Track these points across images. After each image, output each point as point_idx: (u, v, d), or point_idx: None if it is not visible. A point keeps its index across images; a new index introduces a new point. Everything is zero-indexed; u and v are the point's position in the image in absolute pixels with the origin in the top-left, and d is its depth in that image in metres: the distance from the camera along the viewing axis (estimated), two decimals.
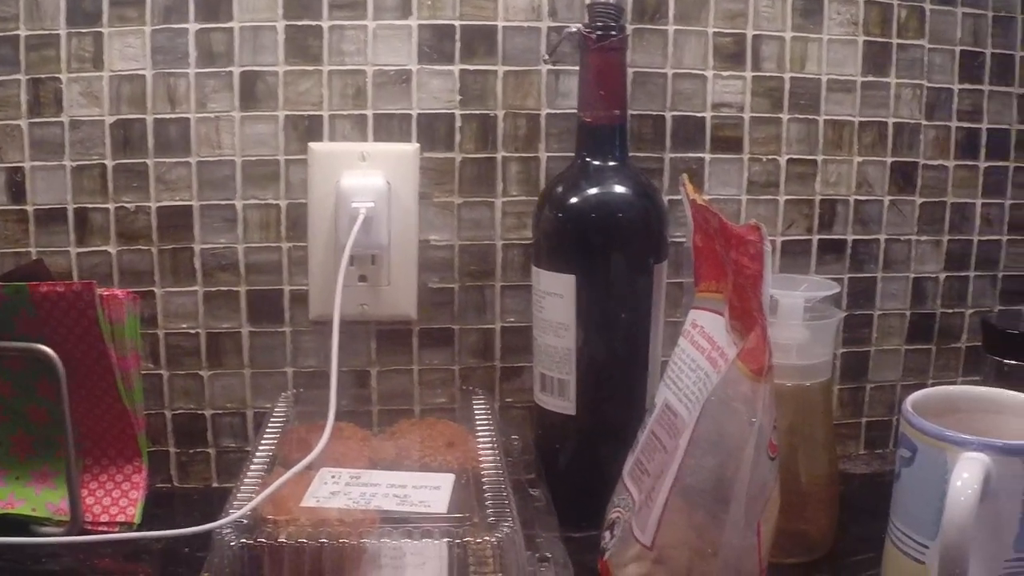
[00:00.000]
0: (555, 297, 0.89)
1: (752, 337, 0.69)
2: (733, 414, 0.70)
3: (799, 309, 0.85)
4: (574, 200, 0.89)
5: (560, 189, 0.91)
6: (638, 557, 0.75)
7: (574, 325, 0.89)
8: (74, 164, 0.96)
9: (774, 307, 0.82)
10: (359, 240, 0.93)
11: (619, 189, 0.90)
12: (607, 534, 0.81)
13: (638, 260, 0.89)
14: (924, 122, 1.08)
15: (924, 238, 1.10)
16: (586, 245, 0.88)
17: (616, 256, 0.89)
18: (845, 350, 1.09)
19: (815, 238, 1.08)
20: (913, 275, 1.11)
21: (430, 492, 0.79)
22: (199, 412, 1.02)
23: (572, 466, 0.93)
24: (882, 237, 1.09)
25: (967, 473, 0.71)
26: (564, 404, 0.91)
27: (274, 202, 0.99)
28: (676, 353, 0.79)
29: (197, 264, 0.99)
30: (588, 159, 0.90)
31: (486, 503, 0.77)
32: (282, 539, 0.71)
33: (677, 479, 0.72)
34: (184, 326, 1.00)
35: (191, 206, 0.98)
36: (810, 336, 0.86)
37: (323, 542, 0.71)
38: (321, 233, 0.98)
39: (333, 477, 0.81)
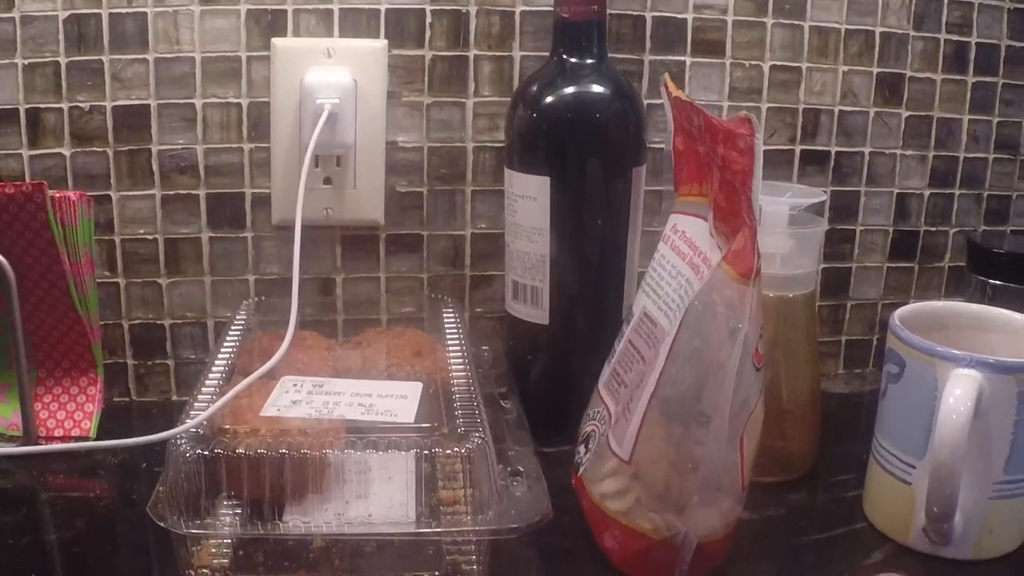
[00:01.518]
0: (528, 200, 0.86)
1: (739, 238, 0.65)
2: (718, 321, 0.66)
3: (783, 217, 0.83)
4: (549, 99, 0.86)
5: (535, 88, 0.87)
6: (614, 472, 0.73)
7: (548, 230, 0.86)
8: (25, 62, 0.91)
9: (757, 215, 0.79)
10: (323, 139, 0.90)
11: (597, 88, 0.86)
12: (581, 448, 0.78)
13: (615, 163, 0.86)
14: (912, 33, 1.05)
15: (909, 153, 1.08)
16: (561, 146, 0.85)
17: (593, 158, 0.85)
18: (826, 266, 1.07)
19: (798, 148, 1.05)
20: (897, 190, 1.09)
21: (397, 401, 0.76)
22: (157, 322, 0.99)
23: (545, 378, 0.91)
24: (866, 150, 1.07)
25: (959, 390, 0.69)
26: (537, 313, 0.88)
27: (235, 101, 0.95)
28: (655, 259, 0.76)
29: (155, 166, 0.95)
30: (565, 56, 0.87)
31: (455, 414, 0.74)
32: (240, 450, 0.68)
33: (657, 390, 0.69)
34: (141, 231, 0.96)
35: (148, 105, 0.94)
36: (794, 245, 0.83)
37: (283, 452, 0.68)
38: (284, 133, 0.95)
39: (295, 385, 0.78)
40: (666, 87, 0.76)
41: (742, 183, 0.64)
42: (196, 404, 0.74)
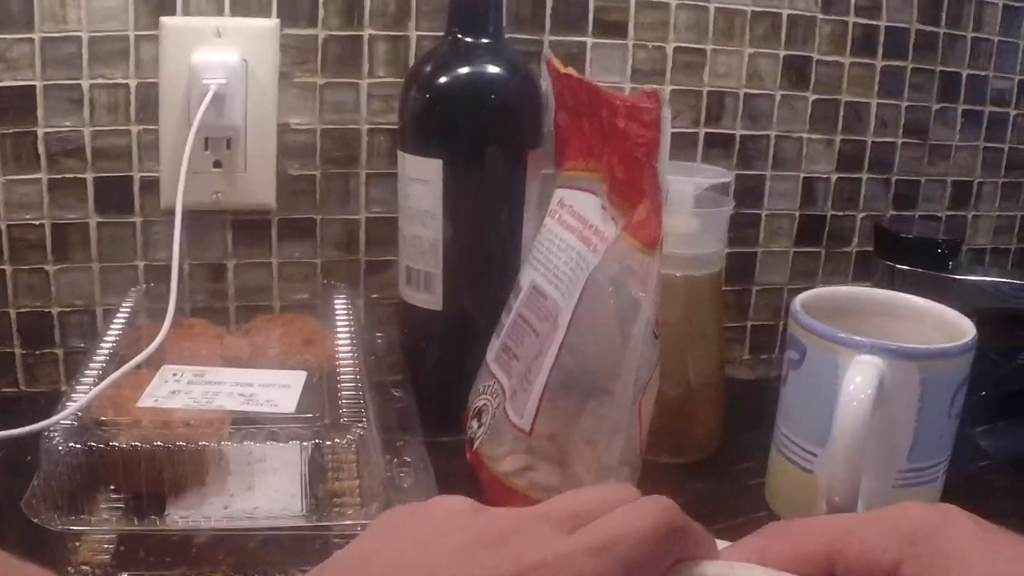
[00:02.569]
0: (421, 184, 0.83)
1: (641, 209, 0.66)
2: (620, 291, 0.68)
3: (689, 196, 0.82)
4: (443, 79, 0.84)
5: (428, 68, 0.85)
6: (513, 448, 0.73)
7: (440, 214, 0.83)
8: None
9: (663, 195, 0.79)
10: (211, 121, 0.87)
11: (492, 68, 0.84)
12: (474, 423, 0.78)
13: (511, 146, 0.84)
14: (820, 15, 1.04)
15: (816, 136, 1.08)
16: (454, 127, 0.83)
17: (487, 141, 0.83)
18: (731, 250, 1.06)
19: (701, 131, 1.04)
20: (804, 174, 1.09)
21: (279, 391, 0.74)
22: (45, 310, 0.96)
23: (439, 366, 0.89)
24: (772, 133, 1.06)
25: (860, 377, 0.69)
26: (430, 299, 0.86)
27: (123, 82, 0.91)
28: (542, 233, 0.76)
29: (41, 149, 0.92)
30: (460, 36, 0.84)
31: (340, 403, 0.72)
32: (115, 443, 0.66)
33: (557, 360, 0.69)
34: (28, 217, 0.93)
35: (34, 86, 0.90)
36: (700, 225, 0.83)
37: (159, 445, 0.66)
38: (173, 115, 0.91)
39: (175, 375, 0.75)
40: (550, 65, 0.76)
41: (647, 155, 0.65)
42: (73, 395, 0.71)
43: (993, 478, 0.89)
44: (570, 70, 0.74)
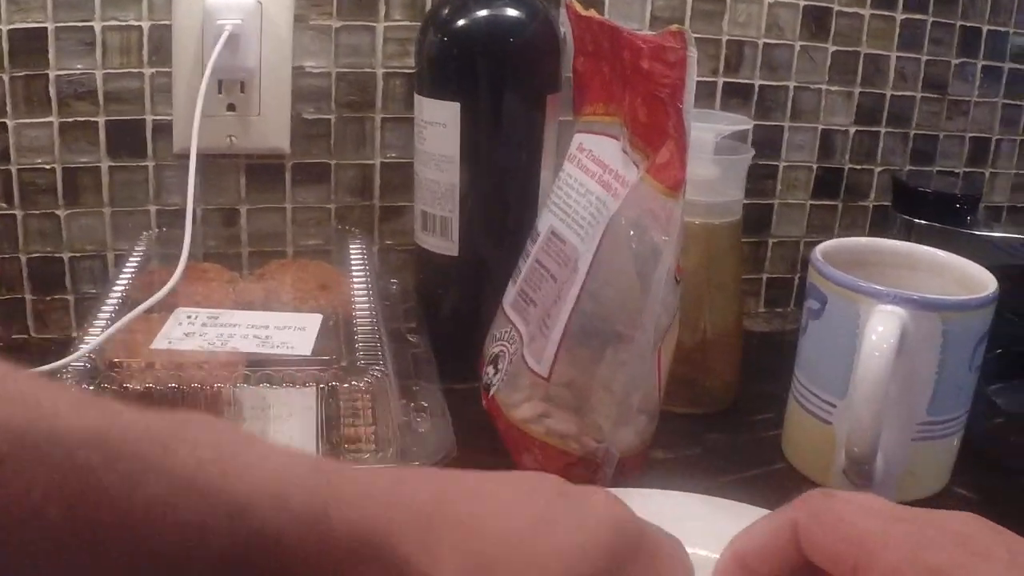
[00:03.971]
0: (438, 127, 0.82)
1: (664, 152, 0.65)
2: (642, 235, 0.66)
3: (709, 143, 0.81)
4: (461, 22, 0.83)
5: (446, 11, 0.84)
6: (531, 395, 0.72)
7: (458, 158, 0.82)
8: None
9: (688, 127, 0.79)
10: (225, 63, 0.86)
11: (510, 12, 0.83)
12: (490, 369, 0.77)
13: (529, 90, 0.83)
14: None
15: (835, 88, 1.06)
16: (472, 71, 0.82)
17: (505, 85, 0.82)
18: (747, 202, 1.03)
19: (720, 80, 1.03)
20: (822, 127, 1.07)
21: (294, 333, 0.74)
22: (56, 255, 0.95)
23: (455, 313, 0.88)
24: (791, 84, 1.05)
25: (882, 326, 0.68)
26: (446, 244, 0.85)
27: (136, 23, 0.90)
28: (561, 178, 0.75)
29: (52, 92, 0.90)
30: None
31: (356, 347, 0.72)
32: (128, 384, 0.65)
33: (576, 306, 0.68)
34: (39, 161, 0.92)
35: (45, 28, 0.89)
36: (720, 173, 0.82)
37: (172, 387, 0.65)
38: (186, 58, 0.90)
39: (189, 318, 0.75)
40: (570, 8, 0.75)
41: (671, 96, 0.63)
42: (85, 338, 0.70)
43: (1010, 435, 0.88)
44: (591, 12, 0.73)
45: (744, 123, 0.84)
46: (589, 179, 0.71)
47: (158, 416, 0.35)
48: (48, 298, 0.96)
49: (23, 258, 0.94)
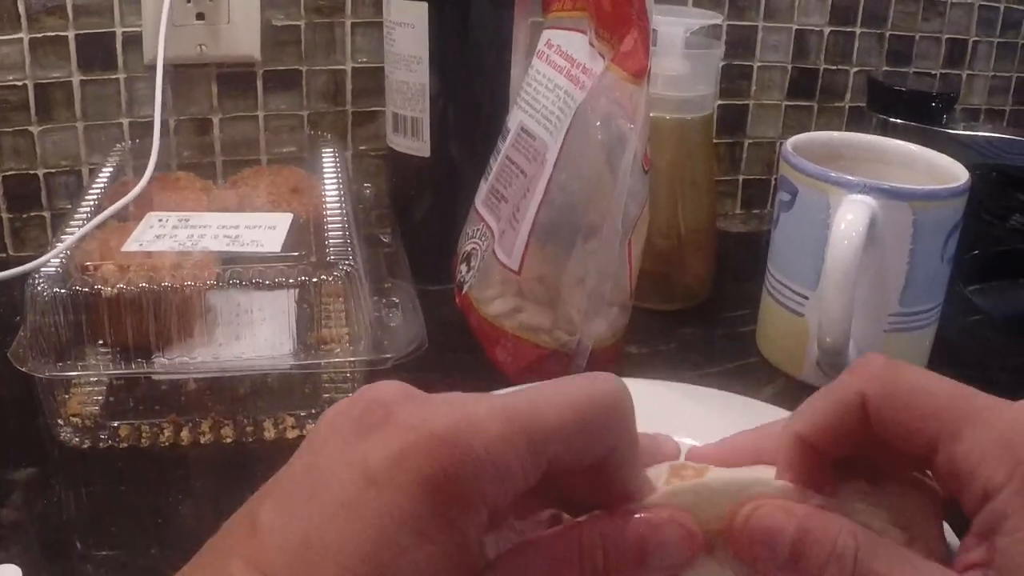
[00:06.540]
0: (407, 28, 0.82)
1: (628, 40, 0.65)
2: (608, 123, 0.67)
3: (679, 39, 0.81)
4: None
5: None
6: (503, 291, 0.73)
7: (427, 58, 0.82)
8: None
9: (653, 37, 0.78)
10: None
11: None
12: (463, 267, 0.77)
13: None
14: None
15: None
16: None
17: None
18: (722, 102, 1.05)
19: None
20: (796, 27, 1.07)
21: (264, 232, 0.73)
22: (31, 172, 0.95)
23: (427, 215, 0.88)
24: None
25: (851, 215, 0.68)
26: (418, 145, 0.85)
27: None
28: (530, 75, 0.75)
29: (21, 8, 0.89)
30: None
31: (327, 243, 0.71)
32: (99, 286, 0.65)
33: (545, 197, 0.69)
34: (10, 78, 0.91)
35: None
36: (690, 68, 0.82)
37: (144, 287, 0.65)
38: None
39: (160, 221, 0.75)
40: None
41: None
42: (57, 244, 0.70)
43: (986, 332, 0.89)
44: None
45: (713, 18, 0.83)
46: (557, 74, 0.71)
47: None
48: (24, 216, 0.96)
49: None
